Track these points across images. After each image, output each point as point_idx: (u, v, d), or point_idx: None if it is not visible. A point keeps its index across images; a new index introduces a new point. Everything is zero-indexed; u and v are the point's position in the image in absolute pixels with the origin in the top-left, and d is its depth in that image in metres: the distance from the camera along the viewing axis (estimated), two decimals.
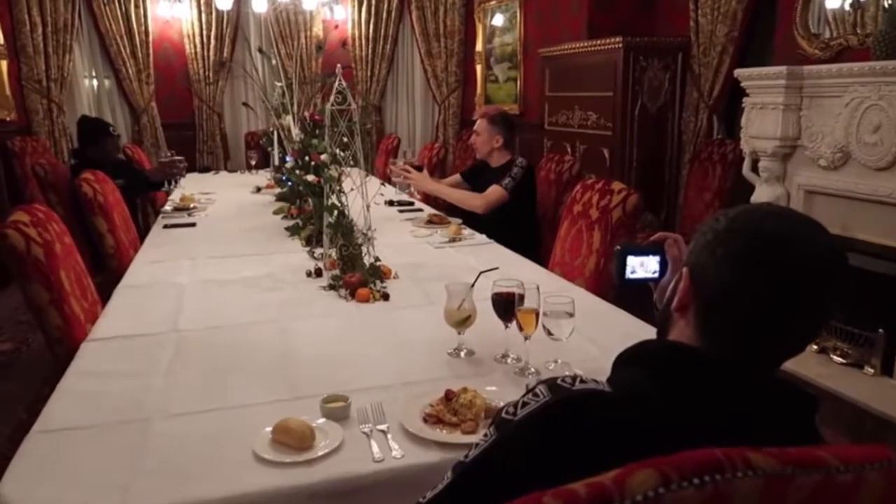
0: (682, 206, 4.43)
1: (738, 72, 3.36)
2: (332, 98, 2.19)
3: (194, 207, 3.72)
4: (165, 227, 3.23)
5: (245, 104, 5.38)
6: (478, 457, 0.78)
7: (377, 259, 2.27)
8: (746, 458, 0.56)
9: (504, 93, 6.14)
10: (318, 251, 2.58)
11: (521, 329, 1.52)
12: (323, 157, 2.72)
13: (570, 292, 1.94)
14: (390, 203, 3.71)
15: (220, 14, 6.47)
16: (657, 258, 1.07)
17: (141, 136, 6.43)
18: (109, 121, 6.40)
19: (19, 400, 3.02)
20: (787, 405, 0.78)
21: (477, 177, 3.55)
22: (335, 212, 2.24)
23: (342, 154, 2.27)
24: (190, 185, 4.60)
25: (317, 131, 2.79)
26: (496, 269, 1.75)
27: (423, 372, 1.52)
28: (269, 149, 4.08)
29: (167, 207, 3.79)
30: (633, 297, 1.13)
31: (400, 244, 2.76)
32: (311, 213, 3.30)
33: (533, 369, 1.52)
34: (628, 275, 1.09)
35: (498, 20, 6.13)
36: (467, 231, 2.99)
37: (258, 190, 4.39)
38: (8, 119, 5.32)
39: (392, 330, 1.82)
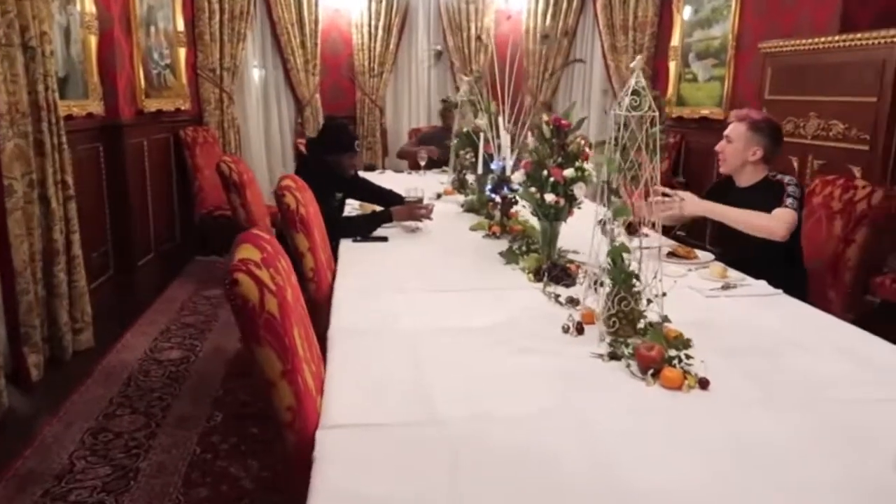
0: None
1: None
2: (626, 100, 1.62)
3: None
4: (355, 240, 2.82)
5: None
6: None
7: (665, 319, 1.68)
8: None
9: (703, 94, 5.35)
10: (556, 291, 2.05)
11: None
12: (567, 172, 2.18)
13: None
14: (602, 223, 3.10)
15: (389, 3, 6.14)
16: None
17: (304, 128, 6.21)
18: (274, 111, 6.27)
19: (195, 425, 2.71)
20: None
21: (716, 197, 2.85)
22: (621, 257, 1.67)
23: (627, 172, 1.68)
24: None
25: (558, 138, 2.24)
26: None
27: None
28: (463, 151, 3.59)
29: (349, 214, 3.39)
30: None
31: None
32: (523, 234, 2.78)
33: None
34: None
35: (704, 10, 5.34)
36: (733, 273, 2.34)
37: (438, 196, 3.94)
38: (183, 108, 5.21)
39: (743, 451, 1.21)
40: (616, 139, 1.65)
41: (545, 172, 2.21)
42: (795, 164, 4.14)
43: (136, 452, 2.50)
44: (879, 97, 3.57)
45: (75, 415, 2.78)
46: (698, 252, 2.59)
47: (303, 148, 4.62)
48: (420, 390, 1.41)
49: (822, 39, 3.93)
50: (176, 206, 5.19)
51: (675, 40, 5.67)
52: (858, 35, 3.68)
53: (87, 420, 2.73)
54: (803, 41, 4.08)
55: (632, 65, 1.67)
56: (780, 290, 2.15)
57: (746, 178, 2.64)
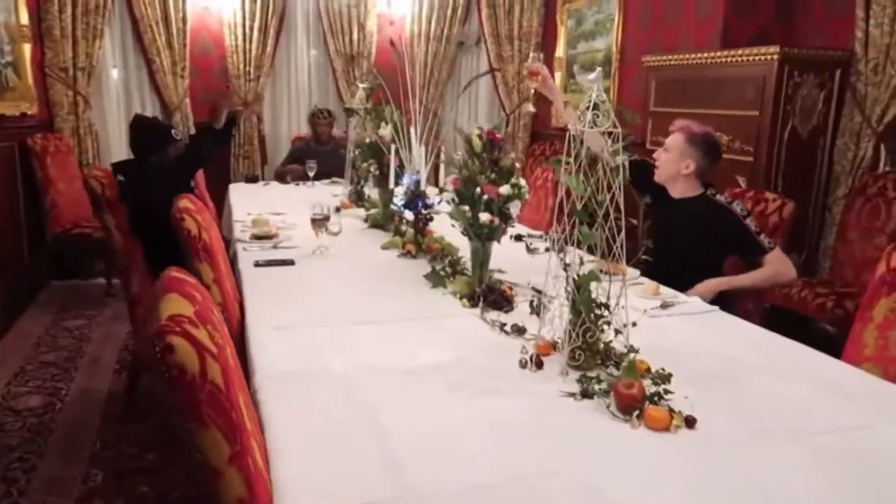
0: (836, 249, 3.77)
1: None
2: (587, 113, 1.49)
3: (276, 236, 3.00)
4: (258, 264, 2.51)
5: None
6: None
7: (632, 349, 1.58)
8: None
9: None
10: (496, 317, 1.90)
11: None
12: (502, 189, 2.04)
13: None
14: (518, 238, 3.01)
15: (265, 3, 5.76)
16: None
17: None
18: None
19: (68, 490, 2.29)
20: None
21: (648, 188, 2.84)
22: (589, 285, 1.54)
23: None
24: (244, 202, 3.92)
25: (490, 153, 2.09)
26: None
27: None
28: (366, 164, 3.36)
29: (241, 233, 3.06)
30: None
31: None
32: (441, 253, 2.61)
33: None
34: None
35: (587, 23, 5.45)
36: (665, 290, 2.30)
37: (337, 210, 3.68)
38: (28, 113, 4.55)
39: (759, 498, 1.11)
40: (576, 157, 1.52)
41: (478, 190, 2.06)
42: None
43: None
44: (761, 111, 3.76)
45: None
46: (622, 266, 2.54)
47: None
48: (382, 456, 1.18)
49: (704, 55, 4.09)
50: (24, 224, 4.52)
51: (560, 51, 5.75)
52: (739, 51, 3.86)
53: None
54: (686, 56, 4.23)
55: (591, 77, 1.56)
56: (717, 307, 2.13)
57: (680, 190, 2.63)
